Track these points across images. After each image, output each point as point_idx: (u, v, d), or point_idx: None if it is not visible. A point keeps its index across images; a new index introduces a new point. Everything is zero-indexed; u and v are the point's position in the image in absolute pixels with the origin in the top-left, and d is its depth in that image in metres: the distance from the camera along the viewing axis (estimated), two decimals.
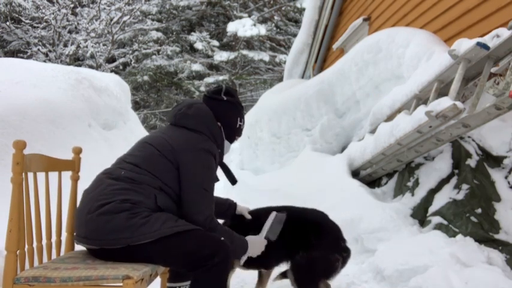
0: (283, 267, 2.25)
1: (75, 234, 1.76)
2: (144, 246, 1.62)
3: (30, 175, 1.71)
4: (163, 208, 1.72)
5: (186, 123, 1.90)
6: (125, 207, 1.63)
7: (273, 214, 2.05)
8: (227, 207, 2.25)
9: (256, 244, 1.96)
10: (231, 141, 2.07)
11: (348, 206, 3.47)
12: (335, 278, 2.15)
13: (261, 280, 2.41)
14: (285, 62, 12.63)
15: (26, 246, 1.65)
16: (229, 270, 1.73)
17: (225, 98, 2.01)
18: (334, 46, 7.68)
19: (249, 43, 17.98)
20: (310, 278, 2.03)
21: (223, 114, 2.00)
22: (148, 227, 1.61)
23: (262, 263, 2.18)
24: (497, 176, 3.13)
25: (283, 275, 2.29)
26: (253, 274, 2.46)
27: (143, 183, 1.72)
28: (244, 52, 16.95)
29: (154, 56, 17.41)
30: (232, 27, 16.40)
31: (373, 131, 4.10)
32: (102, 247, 1.66)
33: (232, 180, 2.17)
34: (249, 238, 1.95)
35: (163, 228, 1.62)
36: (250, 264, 2.10)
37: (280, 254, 2.10)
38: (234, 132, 2.06)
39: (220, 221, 2.06)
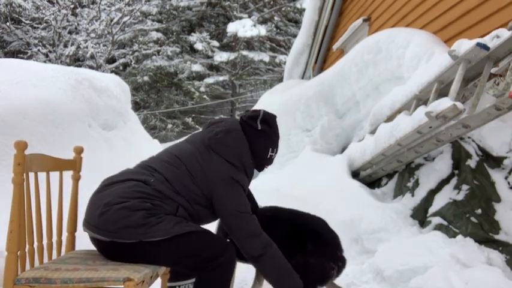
0: None
1: (84, 219, 1.76)
2: (155, 243, 1.65)
3: (31, 175, 1.71)
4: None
5: (221, 151, 1.88)
6: (145, 206, 1.68)
7: None
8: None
9: None
10: (260, 169, 2.05)
11: (348, 207, 3.47)
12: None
13: (258, 275, 2.44)
14: (285, 63, 12.63)
15: (27, 246, 1.65)
16: (233, 271, 1.75)
17: (259, 127, 1.97)
18: (334, 47, 7.69)
19: (249, 44, 17.99)
20: (304, 283, 2.05)
21: (255, 143, 1.96)
22: (162, 225, 1.66)
23: None
24: (497, 176, 3.14)
25: None
26: (253, 274, 2.47)
27: (169, 198, 1.76)
28: (244, 53, 16.97)
29: (154, 57, 17.42)
30: (232, 27, 16.41)
31: (373, 132, 4.10)
32: (113, 240, 1.66)
33: (254, 205, 2.21)
34: None
35: (175, 228, 1.67)
36: (243, 257, 2.15)
37: None
38: (263, 162, 2.02)
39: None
